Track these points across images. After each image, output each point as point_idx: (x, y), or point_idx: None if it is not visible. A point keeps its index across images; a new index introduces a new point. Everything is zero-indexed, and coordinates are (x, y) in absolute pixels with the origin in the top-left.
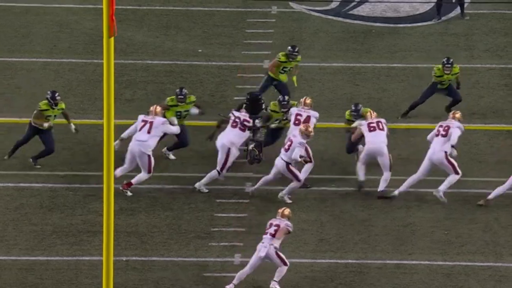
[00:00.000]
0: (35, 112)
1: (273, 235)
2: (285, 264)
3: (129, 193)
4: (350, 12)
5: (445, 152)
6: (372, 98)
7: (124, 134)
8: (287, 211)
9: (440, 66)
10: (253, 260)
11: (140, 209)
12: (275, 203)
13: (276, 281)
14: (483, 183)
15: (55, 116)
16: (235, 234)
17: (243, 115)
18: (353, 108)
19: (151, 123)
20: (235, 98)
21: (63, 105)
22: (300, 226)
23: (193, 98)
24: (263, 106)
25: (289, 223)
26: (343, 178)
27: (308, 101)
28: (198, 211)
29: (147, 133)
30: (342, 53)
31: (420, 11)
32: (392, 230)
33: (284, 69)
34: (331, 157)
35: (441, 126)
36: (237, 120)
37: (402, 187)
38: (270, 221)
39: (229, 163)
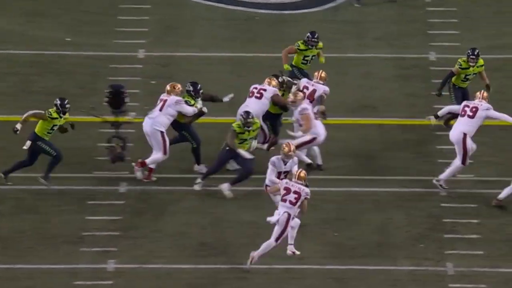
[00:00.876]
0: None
1: (294, 204)
2: (276, 240)
3: (139, 175)
4: None
5: (464, 133)
6: None
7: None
8: (303, 173)
9: (465, 58)
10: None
11: (2, 212)
12: (152, 205)
13: (255, 256)
14: (374, 181)
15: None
16: (108, 238)
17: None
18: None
19: (165, 101)
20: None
21: (67, 115)
22: (179, 230)
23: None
24: (126, 100)
25: (307, 190)
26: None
27: (323, 75)
28: (67, 213)
29: (159, 111)
30: (224, 42)
31: None
32: None
33: (306, 58)
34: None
35: (467, 106)
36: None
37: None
38: (285, 185)
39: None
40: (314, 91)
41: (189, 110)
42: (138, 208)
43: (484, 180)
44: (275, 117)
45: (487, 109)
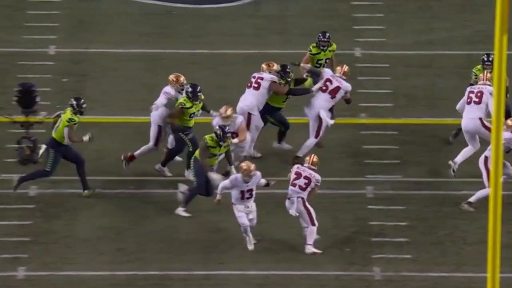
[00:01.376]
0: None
1: (303, 189)
2: (313, 223)
3: (124, 166)
4: None
5: (480, 118)
6: None
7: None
8: (316, 158)
9: (479, 66)
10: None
11: None
12: (64, 209)
13: (310, 245)
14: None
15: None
16: (18, 244)
17: None
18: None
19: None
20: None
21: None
22: (95, 234)
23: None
24: (37, 99)
25: (318, 177)
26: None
27: (346, 69)
28: None
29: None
30: (140, 37)
31: None
32: (201, 237)
33: (319, 62)
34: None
35: (472, 92)
36: None
37: (458, 158)
38: (297, 169)
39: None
40: (338, 88)
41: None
42: (49, 212)
43: (412, 181)
44: (276, 110)
45: (491, 94)
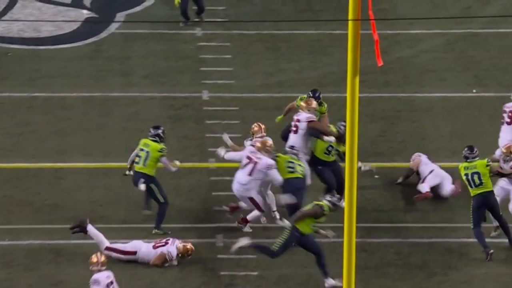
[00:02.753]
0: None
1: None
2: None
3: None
4: None
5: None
6: (12, 133)
7: (227, 155)
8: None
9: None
10: None
11: None
12: None
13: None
14: (146, 230)
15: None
16: None
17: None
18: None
19: (256, 164)
20: None
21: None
22: None
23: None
24: None
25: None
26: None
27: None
28: None
29: (248, 175)
30: None
31: (65, 31)
32: None
33: None
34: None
35: (504, 111)
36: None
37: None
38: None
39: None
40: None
41: (278, 179)
42: None
43: (267, 226)
44: (326, 164)
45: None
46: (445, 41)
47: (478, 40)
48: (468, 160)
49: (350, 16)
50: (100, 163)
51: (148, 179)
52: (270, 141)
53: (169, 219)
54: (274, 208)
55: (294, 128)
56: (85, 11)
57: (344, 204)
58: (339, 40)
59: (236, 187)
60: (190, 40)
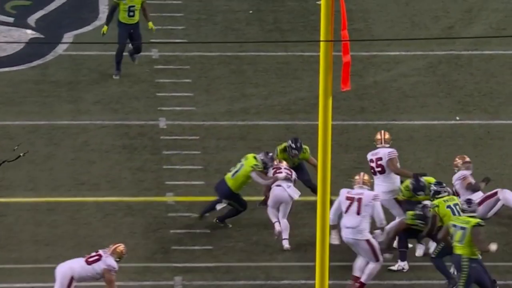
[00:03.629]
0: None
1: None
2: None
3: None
4: None
5: None
6: None
7: (332, 219)
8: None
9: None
10: None
11: None
12: None
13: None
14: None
15: None
16: None
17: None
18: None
19: (359, 200)
20: None
21: None
22: None
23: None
24: None
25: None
26: None
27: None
28: None
29: (357, 215)
30: None
31: (8, 52)
32: None
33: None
34: None
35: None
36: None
37: None
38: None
39: None
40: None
41: (380, 213)
42: None
43: (225, 266)
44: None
45: None
46: (426, 64)
47: (461, 62)
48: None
49: (322, 37)
50: (46, 198)
51: (229, 195)
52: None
53: (123, 259)
54: (286, 236)
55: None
56: (29, 31)
57: None
58: (310, 63)
59: (346, 234)
60: (145, 62)
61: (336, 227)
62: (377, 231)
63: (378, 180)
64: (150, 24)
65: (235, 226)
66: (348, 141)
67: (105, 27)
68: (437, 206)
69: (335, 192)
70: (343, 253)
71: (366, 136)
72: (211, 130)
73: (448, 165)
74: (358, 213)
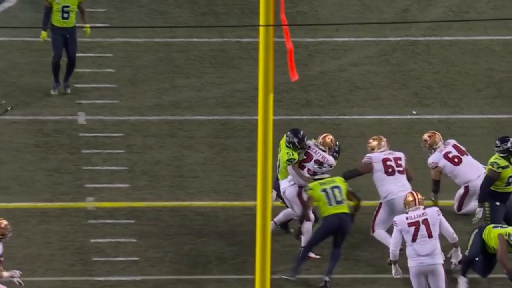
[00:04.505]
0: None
1: None
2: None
3: None
4: None
5: None
6: None
7: (396, 254)
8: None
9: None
10: None
11: None
12: None
13: None
14: None
15: None
16: None
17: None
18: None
19: (426, 222)
20: None
21: None
22: None
23: None
24: None
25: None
26: None
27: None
28: None
29: (430, 238)
30: None
31: None
32: None
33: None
34: None
35: None
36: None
37: None
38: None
39: None
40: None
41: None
42: None
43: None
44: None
45: None
46: (378, 51)
47: (418, 50)
48: None
49: (262, 21)
50: None
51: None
52: None
53: (36, 271)
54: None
55: (400, 169)
56: None
57: None
58: (248, 50)
59: (425, 263)
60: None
61: (397, 261)
62: (453, 250)
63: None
64: (87, 27)
65: (164, 234)
66: None
67: (44, 33)
68: (311, 189)
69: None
70: (285, 264)
71: (312, 133)
72: (137, 126)
73: None
74: (430, 235)
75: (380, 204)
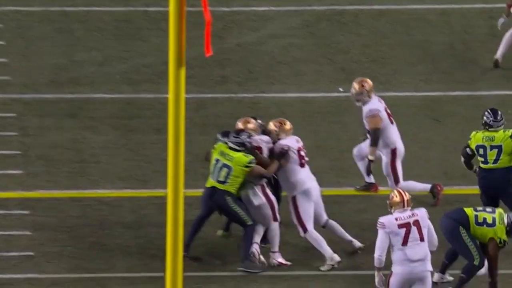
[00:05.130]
0: None
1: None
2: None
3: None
4: None
5: None
6: None
7: (382, 260)
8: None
9: None
10: None
11: None
12: None
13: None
14: None
15: None
16: None
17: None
18: None
19: (417, 223)
20: None
21: None
22: None
23: None
24: None
25: None
26: None
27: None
28: None
29: (421, 241)
30: None
31: None
32: None
33: None
34: None
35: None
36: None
37: None
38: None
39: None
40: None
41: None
42: None
43: None
44: None
45: None
46: (302, 22)
47: (345, 20)
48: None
49: None
50: None
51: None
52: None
53: None
54: (276, 249)
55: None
56: None
57: None
58: (157, 21)
59: (415, 269)
60: None
61: (381, 269)
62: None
63: None
64: None
65: (62, 226)
66: (206, 118)
67: None
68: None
69: (189, 183)
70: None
71: (228, 112)
72: (31, 106)
73: (330, 147)
74: (422, 239)
75: (293, 198)
